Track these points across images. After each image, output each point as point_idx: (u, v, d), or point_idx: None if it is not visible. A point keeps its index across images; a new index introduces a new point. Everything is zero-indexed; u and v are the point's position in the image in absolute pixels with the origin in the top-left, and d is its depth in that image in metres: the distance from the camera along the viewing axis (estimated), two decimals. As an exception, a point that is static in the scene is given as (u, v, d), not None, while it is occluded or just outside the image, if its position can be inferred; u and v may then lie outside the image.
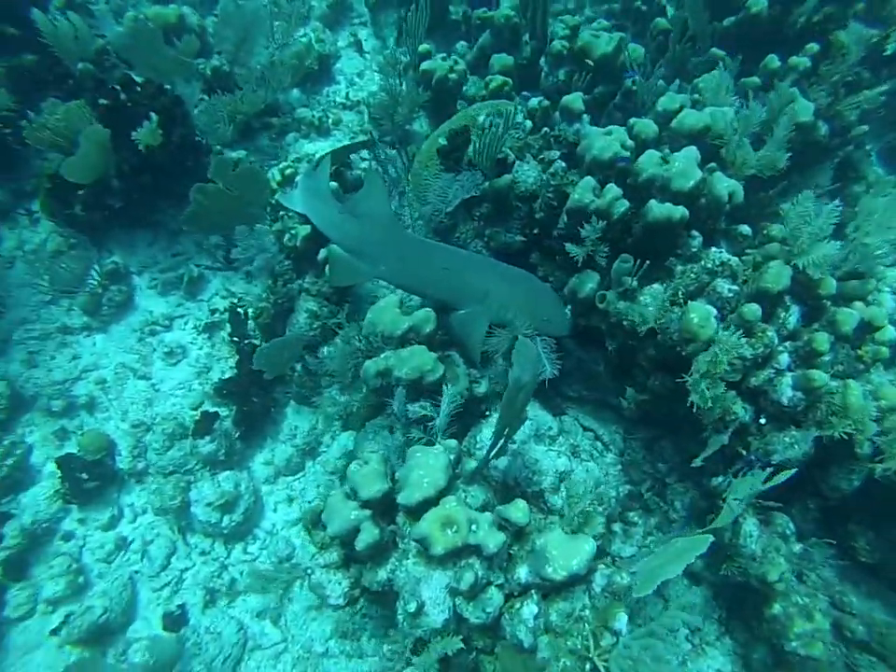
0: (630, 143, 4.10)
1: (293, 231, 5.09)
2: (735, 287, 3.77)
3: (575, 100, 4.90)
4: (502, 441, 3.49)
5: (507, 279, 4.22)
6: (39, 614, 4.58)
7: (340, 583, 3.61)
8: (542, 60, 5.79)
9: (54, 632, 4.46)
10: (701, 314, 3.55)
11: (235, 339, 5.27)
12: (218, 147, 5.80)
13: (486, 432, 4.01)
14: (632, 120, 4.26)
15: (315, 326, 4.99)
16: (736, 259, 3.86)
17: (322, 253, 4.94)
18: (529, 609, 3.27)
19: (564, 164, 4.38)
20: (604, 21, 6.03)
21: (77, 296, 5.48)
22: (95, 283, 5.47)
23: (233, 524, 4.82)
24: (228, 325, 5.41)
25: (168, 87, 5.46)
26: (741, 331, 3.47)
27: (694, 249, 3.89)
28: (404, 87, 5.74)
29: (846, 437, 3.46)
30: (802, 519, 3.89)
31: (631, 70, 5.25)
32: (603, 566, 3.38)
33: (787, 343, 3.74)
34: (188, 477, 4.97)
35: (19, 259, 5.57)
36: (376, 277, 4.67)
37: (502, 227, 4.66)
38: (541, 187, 4.46)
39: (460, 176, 4.56)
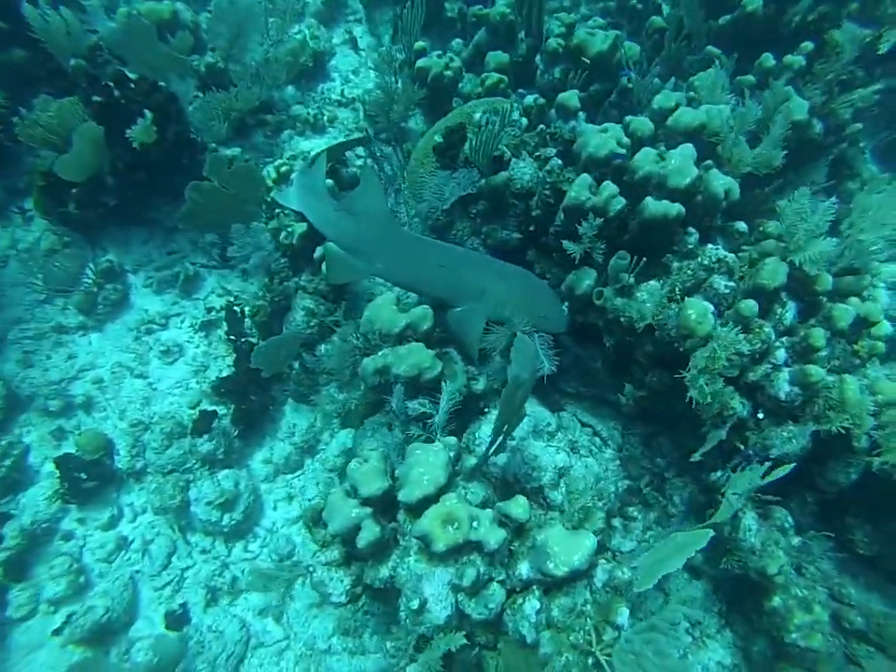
0: (626, 140, 4.12)
1: (289, 229, 5.10)
2: (732, 284, 3.80)
3: (571, 97, 4.92)
4: (501, 437, 3.51)
5: (504, 276, 4.23)
6: (41, 614, 4.59)
7: (342, 581, 3.63)
8: (538, 57, 5.79)
9: (56, 632, 4.46)
10: (698, 310, 3.58)
11: (232, 337, 5.26)
12: (213, 145, 5.76)
13: (485, 429, 4.02)
14: (628, 118, 4.27)
15: (312, 324, 5.01)
16: (733, 255, 3.89)
17: (319, 251, 4.95)
18: (531, 604, 3.29)
19: (560, 162, 4.40)
20: (599, 18, 6.02)
21: (71, 295, 5.46)
22: (90, 281, 5.44)
23: (233, 522, 4.84)
24: (224, 323, 5.39)
25: (162, 84, 5.43)
26: (739, 327, 3.49)
27: (691, 246, 3.91)
28: (400, 84, 5.72)
29: (843, 431, 3.50)
30: (800, 512, 3.93)
31: (627, 68, 5.26)
32: (604, 561, 3.41)
33: (783, 339, 3.77)
34: (187, 476, 4.98)
35: (12, 258, 5.52)
36: (373, 275, 4.67)
37: (499, 224, 4.68)
38: (538, 184, 4.47)
39: (457, 174, 4.57)
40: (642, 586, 3.02)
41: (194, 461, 5.01)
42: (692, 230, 3.92)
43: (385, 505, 3.56)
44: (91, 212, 5.39)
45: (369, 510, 3.47)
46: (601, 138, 4.08)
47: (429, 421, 3.85)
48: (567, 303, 4.30)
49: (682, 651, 3.80)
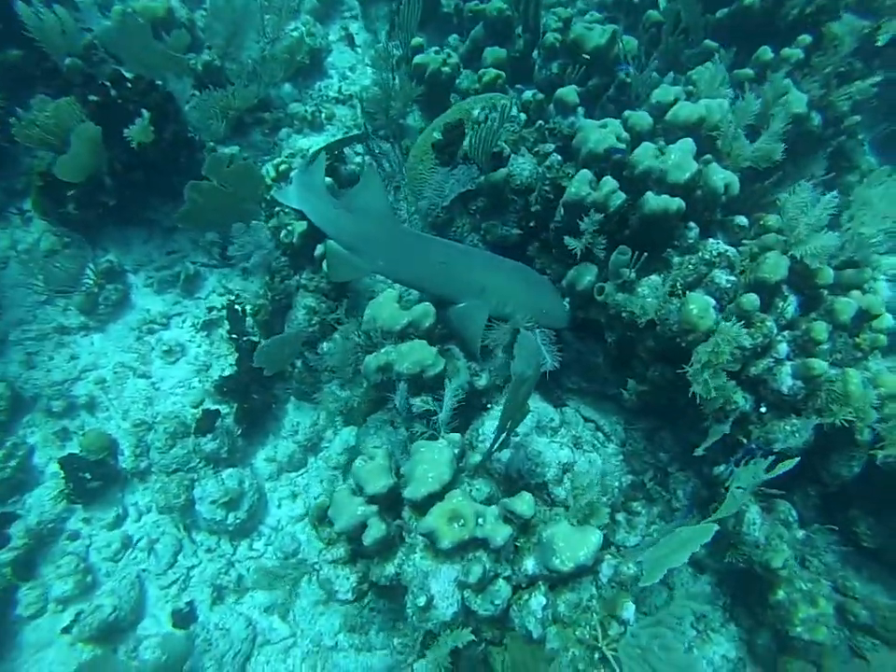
0: (625, 135, 4.12)
1: (290, 228, 5.10)
2: (733, 278, 3.80)
3: (569, 93, 4.92)
4: (505, 433, 3.52)
5: (505, 272, 4.24)
6: (50, 613, 4.63)
7: (348, 578, 3.64)
8: (535, 53, 5.79)
9: (65, 630, 4.51)
10: (700, 305, 3.58)
11: (234, 336, 5.27)
12: (211, 144, 5.76)
13: (488, 425, 4.04)
14: (626, 113, 4.27)
15: (313, 322, 5.01)
16: (734, 249, 3.89)
17: (319, 249, 4.95)
18: (537, 600, 3.31)
19: (560, 157, 4.40)
20: (596, 13, 6.01)
21: (72, 295, 5.46)
22: (91, 282, 5.44)
23: (238, 521, 4.87)
24: (226, 322, 5.40)
25: (159, 83, 5.42)
26: (741, 322, 3.50)
27: (691, 240, 3.91)
28: (397, 81, 5.71)
29: (846, 424, 3.52)
30: (803, 506, 3.95)
31: (625, 62, 5.26)
32: (609, 556, 3.42)
33: (785, 333, 3.78)
34: (191, 475, 4.99)
35: (12, 260, 5.52)
36: (374, 272, 4.68)
37: (498, 220, 4.68)
38: (537, 180, 4.48)
39: (456, 170, 4.57)
40: (648, 581, 3.04)
41: (198, 460, 5.03)
42: (692, 224, 3.92)
43: (390, 502, 3.57)
44: (90, 212, 5.38)
45: (374, 507, 3.48)
46: (600, 133, 4.08)
47: (433, 418, 3.86)
48: (568, 299, 4.30)
49: (687, 644, 3.84)
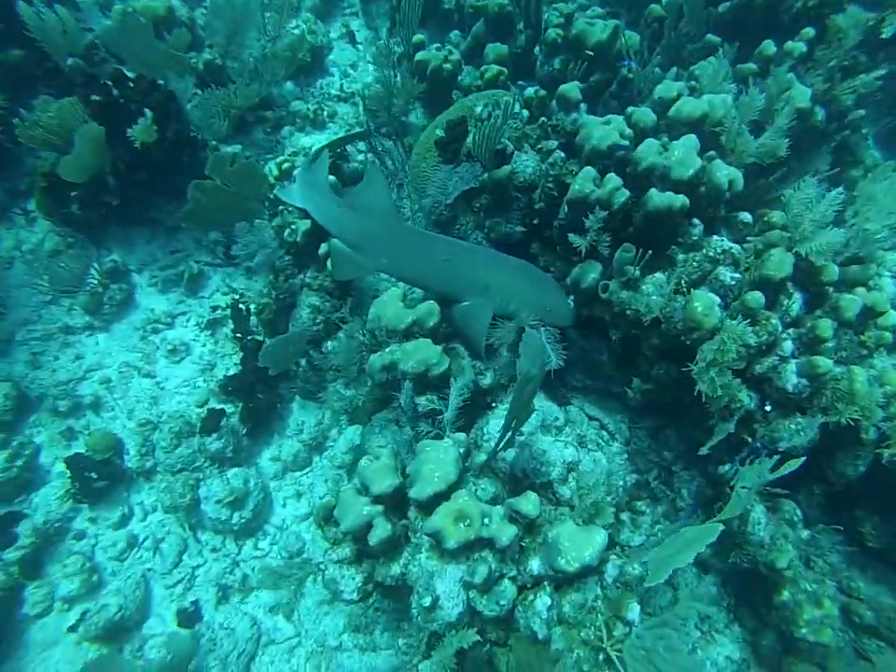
0: (629, 132, 4.10)
1: (293, 227, 5.09)
2: (738, 275, 3.77)
3: (572, 89, 4.88)
4: (510, 432, 3.52)
5: (509, 270, 4.22)
6: (56, 612, 4.65)
7: (353, 578, 3.64)
8: (537, 49, 5.76)
9: (72, 629, 4.53)
10: (705, 302, 3.57)
11: (238, 335, 5.27)
12: (214, 143, 5.76)
13: (493, 424, 4.03)
14: (630, 109, 4.24)
15: (318, 321, 5.02)
16: (738, 246, 3.87)
17: (323, 247, 4.95)
18: (542, 600, 3.31)
19: (563, 154, 4.38)
20: (598, 8, 5.97)
21: (77, 295, 5.47)
22: (95, 282, 5.46)
23: (243, 520, 4.88)
24: (230, 321, 5.41)
25: (161, 82, 5.41)
26: (747, 320, 3.49)
27: (695, 237, 3.89)
28: (399, 78, 5.69)
29: (852, 423, 3.50)
30: (807, 505, 3.94)
31: (627, 58, 5.23)
32: (614, 556, 3.42)
33: (790, 331, 3.76)
34: (196, 474, 5.01)
35: (17, 260, 5.53)
36: (378, 271, 4.66)
37: (502, 218, 4.66)
38: (540, 177, 4.46)
39: (459, 168, 4.56)
40: (653, 581, 3.04)
41: (203, 460, 5.04)
42: (696, 221, 3.90)
43: (395, 502, 3.57)
44: (94, 212, 5.39)
45: (380, 507, 3.48)
46: (604, 130, 4.05)
47: (438, 417, 3.86)
48: (572, 297, 4.29)
49: (691, 645, 3.83)
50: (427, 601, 3.26)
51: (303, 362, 5.09)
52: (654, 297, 3.81)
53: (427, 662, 3.24)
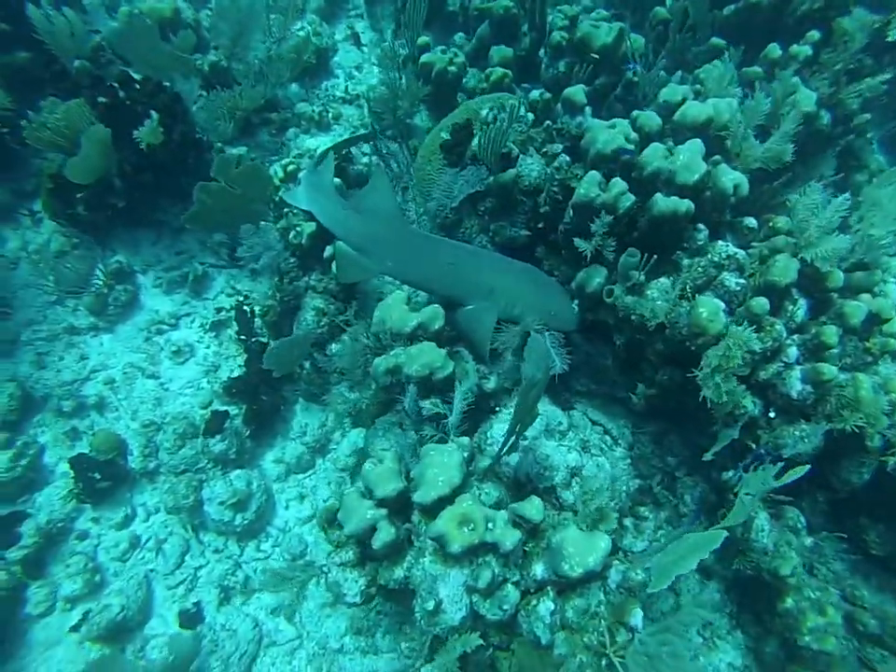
0: (634, 136, 4.09)
1: (298, 229, 5.10)
2: (743, 281, 3.77)
3: (577, 92, 4.89)
4: (514, 437, 3.52)
5: (513, 274, 4.23)
6: (59, 611, 4.66)
7: (356, 581, 3.64)
8: (542, 51, 5.76)
9: (74, 629, 4.53)
10: (710, 308, 3.56)
11: (243, 337, 5.28)
12: (219, 145, 5.77)
13: (497, 428, 4.03)
14: (635, 113, 4.23)
15: (322, 323, 5.01)
16: (743, 252, 3.86)
17: (328, 250, 4.95)
18: (546, 605, 3.31)
19: (568, 158, 4.38)
20: (603, 10, 5.96)
21: (82, 296, 5.48)
22: (100, 282, 5.47)
23: (246, 522, 4.88)
24: (234, 323, 5.41)
25: (167, 84, 5.43)
26: (753, 326, 3.48)
27: (700, 242, 3.87)
28: (404, 80, 5.70)
29: (856, 430, 3.49)
30: (811, 512, 3.93)
31: (632, 61, 5.22)
32: (618, 562, 3.42)
33: (795, 337, 3.76)
34: (199, 476, 5.01)
35: (23, 260, 5.55)
36: (383, 273, 4.68)
37: (507, 221, 4.66)
38: (545, 180, 4.46)
39: (465, 171, 4.56)
40: (656, 587, 3.03)
41: (207, 461, 5.04)
42: (701, 226, 3.89)
43: (399, 506, 3.57)
44: (100, 214, 5.40)
45: (384, 511, 3.48)
46: (609, 134, 4.05)
47: (442, 421, 3.86)
48: (577, 301, 4.29)
49: (693, 652, 3.82)
50: (430, 605, 3.26)
51: (307, 364, 5.09)
52: (659, 302, 3.81)
53: (429, 665, 3.25)
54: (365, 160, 5.80)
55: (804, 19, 5.23)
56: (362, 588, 3.64)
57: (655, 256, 3.75)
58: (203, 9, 6.47)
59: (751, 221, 4.07)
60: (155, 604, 4.77)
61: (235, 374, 5.29)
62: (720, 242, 3.89)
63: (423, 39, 5.74)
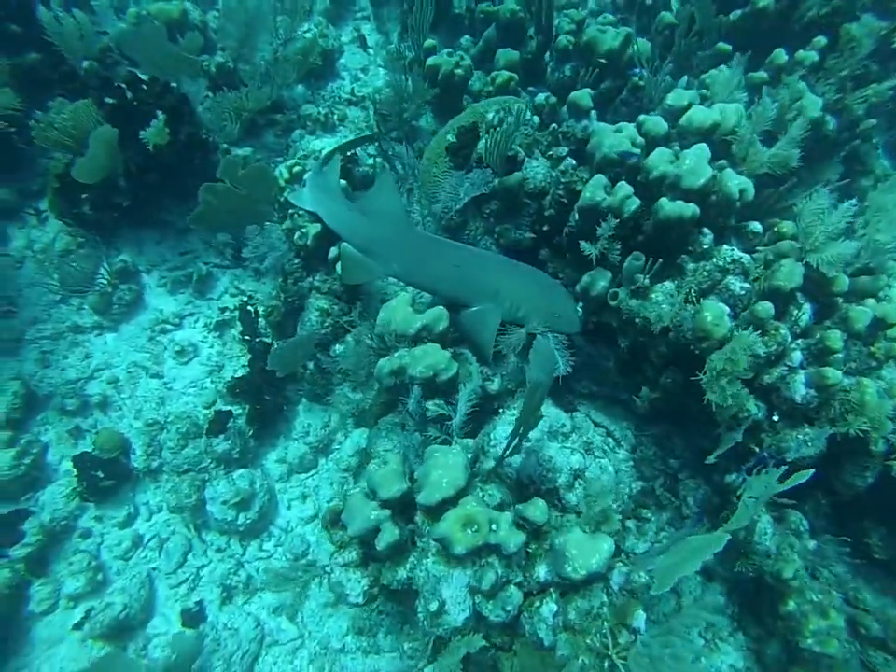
0: (640, 140, 4.11)
1: (303, 230, 5.10)
2: (747, 285, 3.78)
3: (583, 96, 4.90)
4: (518, 438, 3.53)
5: (518, 276, 4.23)
6: (62, 609, 4.66)
7: (359, 582, 3.64)
8: (548, 55, 5.77)
9: (77, 627, 4.54)
10: (715, 312, 3.58)
11: (247, 337, 5.29)
12: (225, 145, 5.78)
13: (500, 429, 4.05)
14: (641, 117, 4.24)
15: (326, 324, 5.01)
16: (748, 256, 3.87)
17: (333, 251, 4.96)
18: (548, 607, 3.31)
19: (573, 161, 4.39)
20: (610, 15, 5.98)
21: (87, 295, 5.49)
22: (105, 282, 5.48)
23: (249, 521, 4.88)
24: (238, 323, 5.42)
25: (174, 85, 5.45)
26: (757, 330, 3.48)
27: (706, 247, 3.89)
28: (410, 82, 5.71)
29: (860, 434, 3.49)
30: (814, 515, 3.93)
31: (638, 66, 5.23)
32: (620, 563, 3.42)
33: (799, 341, 3.77)
34: (203, 475, 5.01)
35: (28, 259, 5.56)
36: (387, 275, 4.68)
37: (512, 224, 4.68)
38: (551, 184, 4.47)
39: (470, 174, 4.57)
40: (659, 589, 3.03)
41: (210, 460, 5.04)
42: (706, 230, 3.90)
43: (402, 506, 3.58)
44: (105, 213, 5.41)
45: (388, 512, 3.48)
46: (615, 138, 4.06)
47: (446, 422, 3.86)
48: (581, 304, 4.30)
49: (695, 654, 3.82)
50: (433, 606, 3.27)
51: (311, 365, 5.09)
52: (665, 306, 3.81)
53: (432, 666, 3.25)
54: (370, 161, 5.81)
55: (810, 25, 5.26)
56: (365, 588, 3.64)
57: (660, 259, 3.77)
58: (211, 11, 6.48)
59: (757, 226, 4.09)
60: (157, 603, 4.77)
61: (239, 374, 5.30)
62: (725, 246, 3.91)
63: (429, 42, 5.75)
